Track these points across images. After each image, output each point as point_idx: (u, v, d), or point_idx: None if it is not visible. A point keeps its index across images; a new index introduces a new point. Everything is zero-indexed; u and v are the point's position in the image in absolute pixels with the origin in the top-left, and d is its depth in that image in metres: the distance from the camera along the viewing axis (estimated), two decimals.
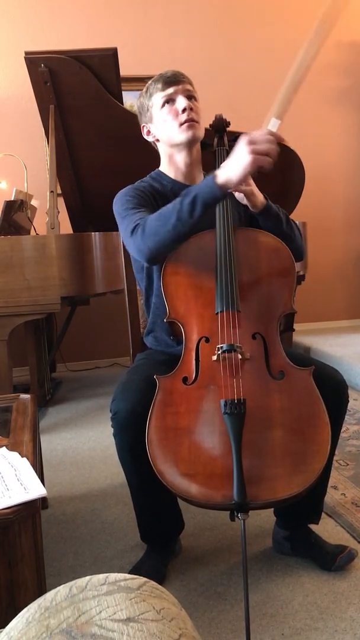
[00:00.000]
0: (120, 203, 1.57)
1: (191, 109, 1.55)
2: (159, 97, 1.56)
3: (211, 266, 1.45)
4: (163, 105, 1.56)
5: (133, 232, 1.44)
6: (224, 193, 1.35)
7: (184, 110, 1.54)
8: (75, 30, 4.13)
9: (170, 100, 1.56)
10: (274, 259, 1.48)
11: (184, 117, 1.55)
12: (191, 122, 1.55)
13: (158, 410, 1.33)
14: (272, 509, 1.61)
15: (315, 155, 4.32)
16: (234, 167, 1.32)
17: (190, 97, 1.56)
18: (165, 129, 1.58)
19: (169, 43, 4.29)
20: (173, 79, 1.55)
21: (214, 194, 1.34)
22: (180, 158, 1.62)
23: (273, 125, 1.37)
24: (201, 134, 1.59)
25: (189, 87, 1.58)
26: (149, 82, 1.59)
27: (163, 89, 1.55)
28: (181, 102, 1.55)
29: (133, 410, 1.37)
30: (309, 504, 1.53)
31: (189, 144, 1.58)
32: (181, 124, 1.55)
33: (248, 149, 1.29)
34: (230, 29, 4.43)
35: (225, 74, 4.30)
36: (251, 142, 1.30)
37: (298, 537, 1.60)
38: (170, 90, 1.55)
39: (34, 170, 3.70)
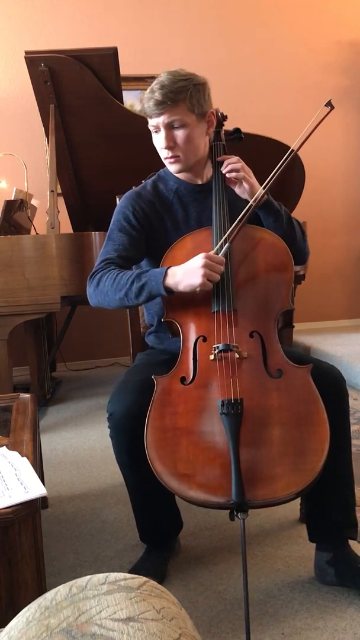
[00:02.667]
0: (113, 219, 1.61)
1: (171, 147, 1.51)
2: (149, 121, 1.53)
3: None
4: (152, 131, 1.55)
5: (91, 277, 1.51)
6: (169, 293, 1.39)
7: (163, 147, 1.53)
8: (75, 29, 4.13)
9: (157, 129, 1.52)
10: (271, 255, 1.48)
11: (164, 154, 1.54)
12: (171, 160, 1.54)
13: (156, 410, 1.33)
14: (306, 528, 1.55)
15: (315, 155, 4.31)
16: (184, 279, 1.36)
17: (175, 126, 1.49)
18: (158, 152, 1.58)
19: (169, 43, 4.29)
20: (154, 110, 1.47)
21: (159, 291, 1.40)
22: None
23: (226, 250, 1.43)
24: (189, 161, 1.55)
25: (172, 117, 1.47)
26: (145, 94, 1.52)
27: (149, 116, 1.51)
28: (160, 139, 1.52)
29: (128, 412, 1.38)
30: (340, 510, 1.47)
31: (179, 173, 1.59)
32: (165, 158, 1.56)
33: (202, 272, 1.34)
34: (230, 29, 4.43)
35: (224, 73, 4.30)
36: (207, 266, 1.34)
37: (342, 559, 1.46)
38: (153, 122, 1.50)
39: (34, 169, 3.70)
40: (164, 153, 1.54)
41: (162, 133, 1.50)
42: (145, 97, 1.49)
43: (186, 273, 1.36)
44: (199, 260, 1.35)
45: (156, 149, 1.57)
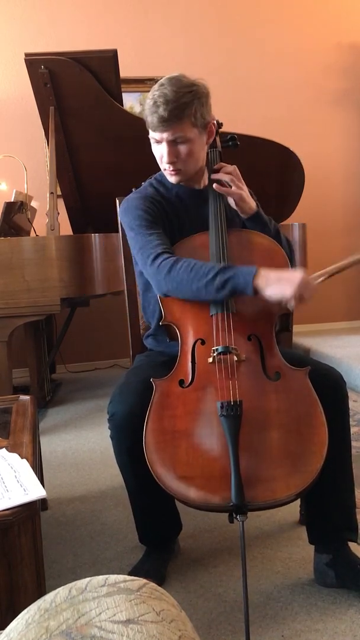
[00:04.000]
0: (132, 216, 1.55)
1: (173, 161, 1.50)
2: (150, 132, 1.52)
3: None
4: (153, 142, 1.54)
5: (157, 263, 1.43)
6: (254, 293, 1.34)
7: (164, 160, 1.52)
8: (75, 31, 4.14)
9: (158, 142, 1.51)
10: (268, 260, 1.48)
11: (164, 165, 1.54)
12: (171, 172, 1.54)
13: (155, 413, 1.33)
14: (305, 530, 1.55)
15: (315, 157, 4.33)
16: (275, 288, 1.33)
17: (177, 142, 1.48)
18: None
19: (169, 44, 4.30)
20: (159, 126, 1.46)
21: (246, 287, 1.34)
22: None
23: (321, 279, 1.43)
24: (189, 173, 1.55)
25: (175, 134, 1.46)
26: (147, 102, 1.49)
27: (151, 128, 1.49)
28: (162, 152, 1.50)
29: (130, 413, 1.38)
30: (340, 513, 1.48)
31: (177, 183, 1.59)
32: (164, 169, 1.56)
33: (294, 290, 1.31)
34: (230, 31, 4.43)
35: (224, 75, 4.31)
36: (303, 284, 1.32)
37: (342, 561, 1.46)
38: (156, 135, 1.49)
39: (34, 171, 3.71)
40: (164, 165, 1.54)
41: (165, 147, 1.49)
42: (148, 109, 1.46)
43: (281, 280, 1.33)
44: (298, 274, 1.32)
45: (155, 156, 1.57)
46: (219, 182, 1.53)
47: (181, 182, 1.57)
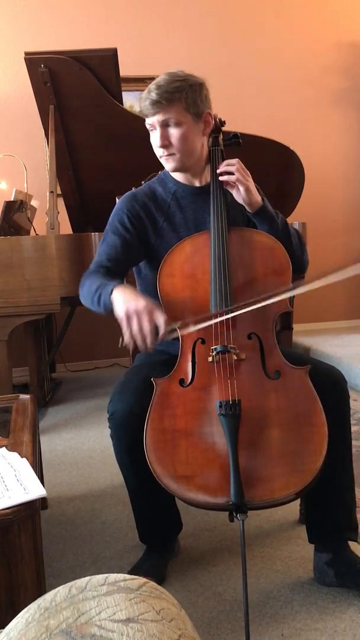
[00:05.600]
0: (111, 217, 1.64)
1: (165, 145, 1.51)
2: (145, 120, 1.54)
3: (206, 267, 1.46)
4: (149, 130, 1.55)
5: (83, 275, 1.57)
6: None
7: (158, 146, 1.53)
8: (75, 30, 4.13)
9: (153, 128, 1.53)
10: (269, 258, 1.48)
11: (159, 152, 1.55)
12: (166, 157, 1.54)
13: (155, 412, 1.33)
14: (305, 529, 1.55)
15: (315, 156, 4.32)
16: (116, 305, 1.37)
17: (170, 125, 1.50)
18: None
19: (169, 44, 4.30)
20: (150, 109, 1.48)
21: (106, 306, 1.41)
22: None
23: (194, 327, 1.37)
24: (185, 160, 1.55)
25: (167, 115, 1.48)
26: (142, 94, 1.53)
27: (145, 115, 1.52)
28: (156, 137, 1.52)
29: (130, 412, 1.38)
30: (340, 512, 1.47)
31: (175, 171, 1.60)
32: (160, 156, 1.56)
33: (125, 311, 1.31)
34: (230, 30, 4.43)
35: (224, 74, 4.30)
36: (139, 313, 1.30)
37: (342, 560, 1.46)
38: (150, 121, 1.51)
39: (34, 170, 3.70)
40: (159, 152, 1.55)
41: (158, 131, 1.51)
42: (142, 97, 1.50)
43: (120, 299, 1.35)
44: (142, 302, 1.31)
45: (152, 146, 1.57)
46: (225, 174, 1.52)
47: (177, 169, 1.58)
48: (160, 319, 1.29)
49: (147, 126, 1.54)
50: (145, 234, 1.60)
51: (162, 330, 1.29)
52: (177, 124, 1.49)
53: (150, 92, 1.47)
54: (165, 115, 1.48)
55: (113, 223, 1.62)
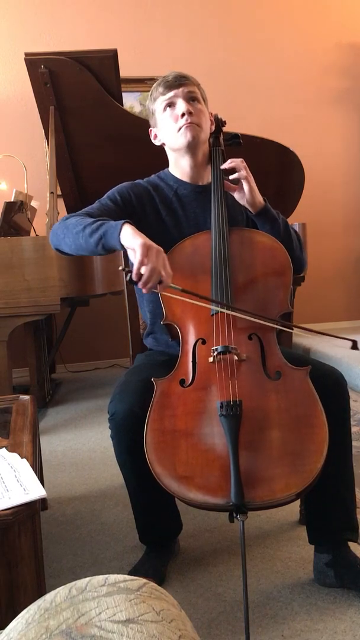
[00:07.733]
0: (110, 190, 1.63)
1: (190, 113, 1.53)
2: (160, 100, 1.56)
3: (207, 268, 1.46)
4: (165, 109, 1.56)
5: (60, 220, 1.52)
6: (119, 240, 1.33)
7: (182, 115, 1.53)
8: (75, 31, 4.14)
9: (171, 104, 1.55)
10: (269, 258, 1.48)
11: (182, 121, 1.54)
12: (189, 125, 1.53)
13: (155, 412, 1.33)
14: (306, 530, 1.54)
15: (315, 157, 4.33)
16: (130, 239, 1.30)
17: (193, 99, 1.55)
18: (167, 133, 1.58)
19: (169, 44, 4.30)
20: (173, 82, 1.54)
21: (114, 232, 1.33)
22: (185, 162, 1.61)
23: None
24: (202, 136, 1.57)
25: (191, 88, 1.55)
26: (154, 85, 1.58)
27: (164, 93, 1.55)
28: (180, 106, 1.54)
29: (131, 412, 1.38)
30: (340, 513, 1.47)
31: (190, 148, 1.57)
32: (179, 128, 1.54)
33: (142, 250, 1.26)
34: (230, 30, 4.43)
35: (224, 75, 4.30)
36: (152, 254, 1.27)
37: (342, 561, 1.45)
38: (171, 94, 1.54)
39: (34, 171, 3.71)
40: (179, 122, 1.54)
41: (181, 103, 1.54)
42: (157, 85, 1.57)
43: (137, 236, 1.29)
44: (156, 246, 1.29)
45: (163, 130, 1.59)
46: (231, 173, 1.52)
47: (194, 142, 1.55)
48: (170, 270, 1.31)
49: (163, 102, 1.56)
50: (139, 219, 1.56)
51: (166, 280, 1.29)
52: (199, 101, 1.57)
53: (168, 76, 1.55)
54: (189, 88, 1.56)
55: (112, 193, 1.61)
